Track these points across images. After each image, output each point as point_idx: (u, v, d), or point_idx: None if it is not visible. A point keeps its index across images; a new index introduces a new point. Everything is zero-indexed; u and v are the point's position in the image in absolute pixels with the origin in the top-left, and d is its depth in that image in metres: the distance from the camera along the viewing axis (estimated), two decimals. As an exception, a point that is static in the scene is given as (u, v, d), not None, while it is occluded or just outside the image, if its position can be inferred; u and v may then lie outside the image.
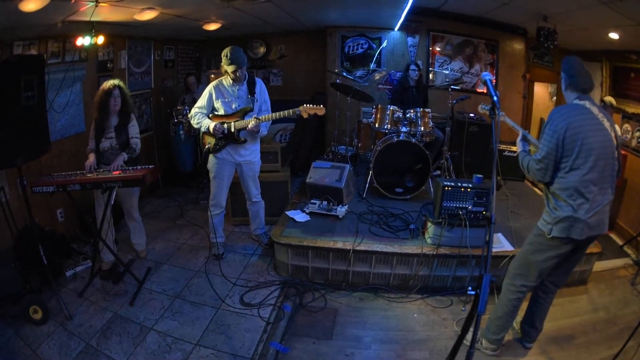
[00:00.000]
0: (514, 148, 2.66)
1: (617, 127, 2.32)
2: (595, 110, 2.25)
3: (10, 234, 3.16)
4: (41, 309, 2.86)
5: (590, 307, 3.22)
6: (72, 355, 2.62)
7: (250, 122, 3.37)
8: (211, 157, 3.62)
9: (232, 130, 3.45)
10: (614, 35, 3.99)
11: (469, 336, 1.74)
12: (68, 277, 3.49)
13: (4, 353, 2.62)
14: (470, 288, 1.60)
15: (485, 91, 5.95)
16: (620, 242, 4.27)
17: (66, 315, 2.95)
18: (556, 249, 2.35)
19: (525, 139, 2.61)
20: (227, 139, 3.50)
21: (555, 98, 6.42)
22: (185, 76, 5.77)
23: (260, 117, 3.42)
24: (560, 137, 2.20)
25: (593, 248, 3.39)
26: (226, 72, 3.36)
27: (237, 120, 3.45)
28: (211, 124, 3.41)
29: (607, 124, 2.26)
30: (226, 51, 3.26)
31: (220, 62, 3.36)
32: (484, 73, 2.00)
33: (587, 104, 2.26)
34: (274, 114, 3.43)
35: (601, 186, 2.24)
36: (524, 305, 2.70)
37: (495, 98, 1.78)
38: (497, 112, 1.77)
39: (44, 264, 3.02)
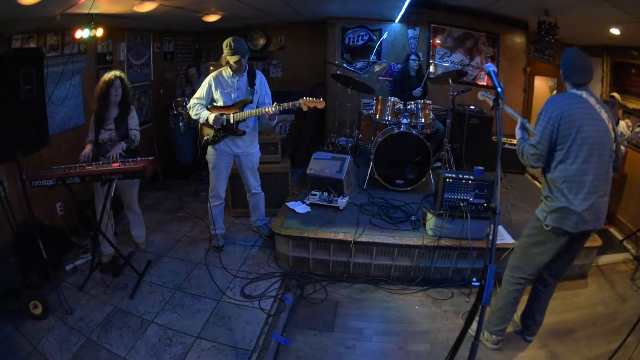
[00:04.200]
0: (514, 141, 2.66)
1: (622, 123, 2.30)
2: (592, 100, 2.24)
3: (9, 229, 3.13)
4: (41, 303, 2.85)
5: (590, 302, 3.23)
6: (73, 350, 2.61)
7: (271, 108, 3.31)
8: (210, 148, 3.60)
9: (232, 121, 3.43)
10: (615, 31, 3.97)
11: (474, 327, 1.73)
12: (68, 270, 3.48)
13: (5, 349, 2.61)
14: (474, 279, 1.59)
15: (485, 83, 5.97)
16: (620, 237, 4.26)
17: (66, 309, 2.94)
18: (552, 241, 2.35)
19: (523, 127, 2.60)
20: (226, 130, 3.48)
21: (555, 92, 6.40)
22: (185, 68, 5.73)
23: (279, 105, 3.33)
24: (555, 124, 2.19)
25: (593, 242, 3.40)
26: (227, 63, 3.33)
27: (237, 112, 3.42)
28: (210, 116, 3.38)
29: (604, 115, 2.24)
30: (228, 41, 3.23)
31: (220, 53, 3.33)
32: (487, 64, 1.96)
33: (584, 94, 2.25)
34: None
35: (596, 177, 2.23)
36: (525, 299, 2.70)
37: (499, 89, 1.76)
38: (501, 103, 1.76)
39: (43, 258, 3.00)
